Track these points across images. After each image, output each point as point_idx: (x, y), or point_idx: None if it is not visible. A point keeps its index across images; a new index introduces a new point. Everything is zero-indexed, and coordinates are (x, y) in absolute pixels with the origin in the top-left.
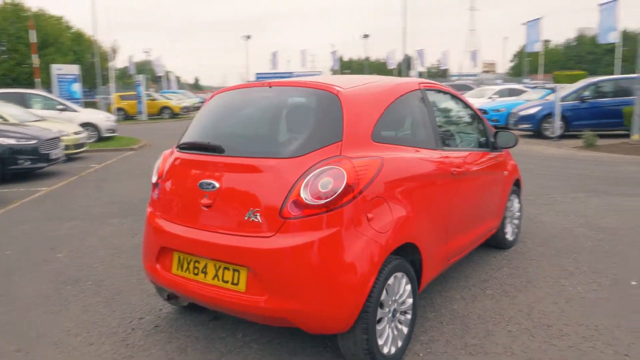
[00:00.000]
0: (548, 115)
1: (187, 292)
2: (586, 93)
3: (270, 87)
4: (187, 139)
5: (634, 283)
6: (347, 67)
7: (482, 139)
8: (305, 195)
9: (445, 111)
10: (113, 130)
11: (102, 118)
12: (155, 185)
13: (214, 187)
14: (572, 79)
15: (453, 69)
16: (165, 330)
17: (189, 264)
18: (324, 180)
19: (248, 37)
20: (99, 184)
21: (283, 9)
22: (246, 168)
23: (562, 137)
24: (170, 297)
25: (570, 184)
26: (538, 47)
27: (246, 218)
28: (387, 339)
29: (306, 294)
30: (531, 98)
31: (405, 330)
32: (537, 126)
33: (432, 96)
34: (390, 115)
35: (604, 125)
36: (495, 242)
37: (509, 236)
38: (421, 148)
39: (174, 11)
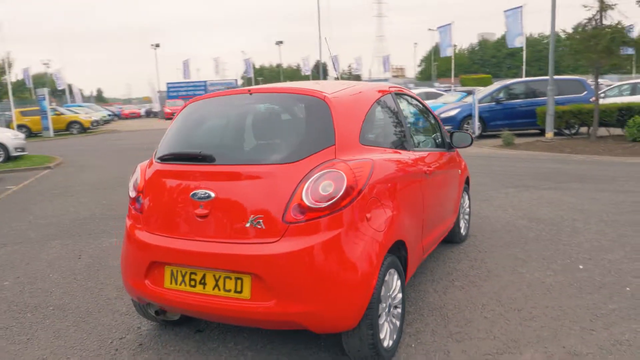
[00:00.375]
0: (468, 117)
1: (184, 306)
2: (500, 95)
3: (250, 93)
4: (169, 149)
5: (581, 267)
6: (260, 74)
7: (440, 140)
8: (307, 199)
9: (412, 114)
10: (22, 149)
11: (9, 136)
12: (136, 199)
13: (209, 196)
14: (478, 82)
15: (364, 74)
16: (152, 347)
17: (184, 276)
18: (324, 184)
19: (157, 45)
20: (24, 205)
21: (190, 16)
22: (243, 175)
23: (480, 137)
24: (159, 313)
25: (499, 180)
26: (450, 52)
27: (248, 225)
28: (386, 332)
29: (316, 295)
30: (448, 101)
31: (397, 323)
32: (458, 127)
33: (401, 99)
34: (371, 118)
35: (518, 125)
36: (451, 237)
37: (463, 231)
38: (399, 149)
39: (69, 21)
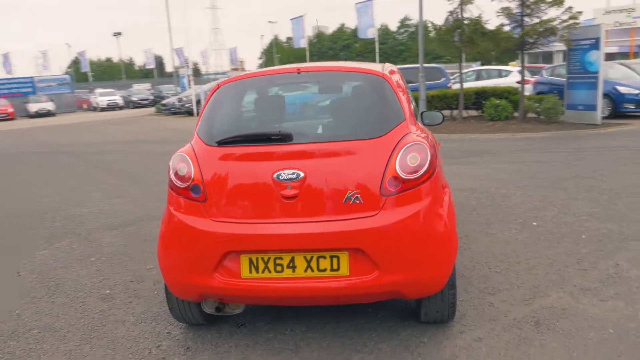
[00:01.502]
0: None
1: (267, 293)
2: None
3: (299, 72)
4: (235, 132)
5: (535, 224)
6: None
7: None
8: (400, 171)
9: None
10: None
11: None
12: (190, 188)
13: (298, 176)
14: None
15: (205, 67)
16: (203, 349)
17: (266, 263)
18: (410, 156)
19: None
20: None
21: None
22: (333, 152)
23: None
24: (220, 309)
25: None
26: (304, 43)
27: (345, 201)
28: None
29: (415, 263)
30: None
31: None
32: None
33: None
34: (407, 94)
35: None
36: None
37: None
38: (420, 124)
39: None
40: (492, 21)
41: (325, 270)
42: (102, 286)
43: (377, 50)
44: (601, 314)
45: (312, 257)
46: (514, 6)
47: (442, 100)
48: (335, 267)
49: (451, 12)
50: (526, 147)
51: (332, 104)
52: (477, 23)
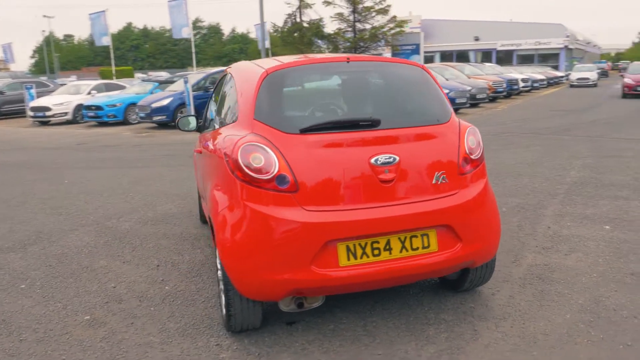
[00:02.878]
0: (182, 105)
1: (366, 279)
2: (208, 83)
3: (348, 61)
4: (319, 120)
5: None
6: None
7: None
8: (468, 152)
9: None
10: None
11: None
12: (277, 179)
13: (394, 160)
14: (119, 75)
15: None
16: (276, 351)
17: (364, 248)
18: (471, 139)
19: None
20: None
21: None
22: (419, 136)
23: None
24: (302, 305)
25: None
26: (107, 41)
27: (434, 182)
28: None
29: (485, 233)
30: (139, 92)
31: None
32: (172, 117)
33: None
34: None
35: None
36: None
37: None
38: None
39: None
40: (330, 25)
41: (417, 248)
42: (71, 313)
43: (193, 50)
44: (575, 264)
45: (405, 238)
46: (347, 12)
47: None
48: (426, 244)
49: (290, 15)
50: None
51: (394, 92)
52: (318, 26)
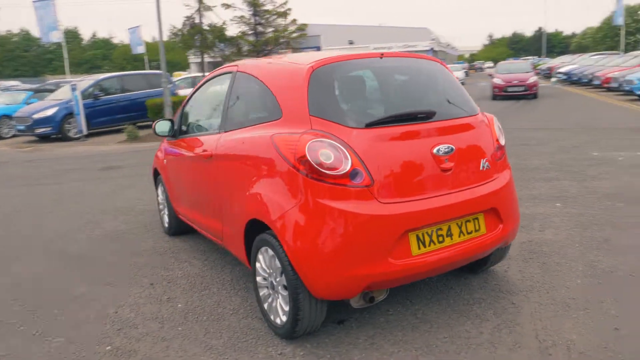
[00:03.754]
0: (69, 115)
1: (433, 266)
2: (96, 91)
3: (382, 57)
4: (382, 113)
5: None
6: None
7: None
8: (498, 139)
9: None
10: None
11: None
12: (351, 174)
13: (452, 149)
14: None
15: None
16: (347, 350)
17: (430, 236)
18: (498, 126)
19: None
20: None
21: None
22: (466, 127)
23: (88, 136)
24: (373, 299)
25: None
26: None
27: (481, 168)
28: None
29: (515, 214)
30: (10, 102)
31: None
32: (58, 128)
33: None
34: None
35: (120, 120)
36: None
37: None
38: None
39: None
40: (232, 28)
41: (471, 232)
42: (84, 347)
43: (65, 55)
44: (554, 238)
45: (462, 223)
46: (248, 15)
47: (177, 107)
48: (477, 228)
49: (188, 18)
50: None
51: (433, 85)
52: (220, 30)
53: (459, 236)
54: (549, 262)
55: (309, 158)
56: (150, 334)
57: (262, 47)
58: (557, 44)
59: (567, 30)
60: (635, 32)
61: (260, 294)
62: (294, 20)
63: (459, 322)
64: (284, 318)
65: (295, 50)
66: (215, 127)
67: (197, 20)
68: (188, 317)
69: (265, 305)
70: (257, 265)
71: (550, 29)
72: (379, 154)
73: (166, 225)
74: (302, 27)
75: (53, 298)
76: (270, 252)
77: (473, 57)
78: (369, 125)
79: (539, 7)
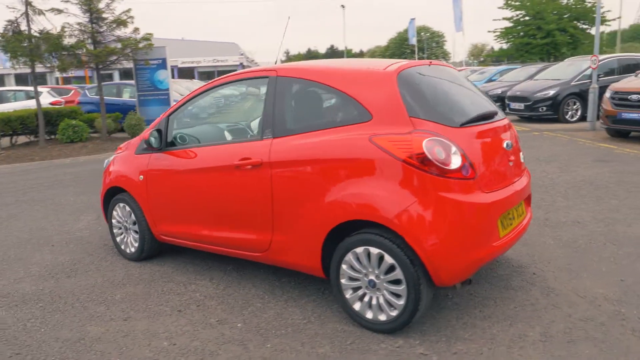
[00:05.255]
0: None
1: (507, 246)
2: None
3: (430, 65)
4: (471, 114)
5: None
6: None
7: None
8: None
9: None
10: None
11: None
12: (462, 168)
13: (511, 145)
14: None
15: None
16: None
17: (504, 221)
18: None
19: None
20: None
21: None
22: (510, 125)
23: None
24: (470, 281)
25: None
26: None
27: (522, 160)
28: None
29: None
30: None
31: None
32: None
33: None
34: None
35: None
36: None
37: None
38: None
39: None
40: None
41: (522, 215)
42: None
43: None
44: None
45: (518, 207)
46: (85, 22)
47: (6, 124)
48: (522, 212)
49: (11, 22)
50: None
51: (473, 89)
52: (59, 37)
53: (518, 218)
54: (561, 236)
55: (427, 155)
56: (242, 356)
57: (106, 57)
58: None
59: (355, 49)
60: (419, 50)
61: (348, 296)
62: (137, 30)
63: (520, 293)
64: (394, 313)
65: (146, 61)
66: (253, 133)
67: (23, 27)
68: (266, 334)
69: (358, 306)
70: (344, 267)
71: (341, 47)
72: (474, 150)
73: (132, 249)
74: (147, 37)
75: (71, 348)
76: (375, 250)
77: None
78: (463, 125)
79: (331, 27)
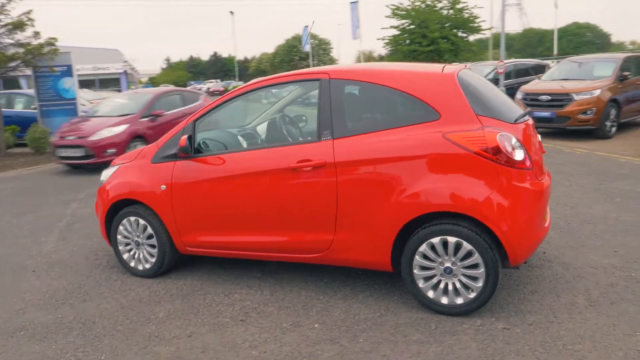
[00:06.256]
0: None
1: (546, 232)
2: None
3: (466, 67)
4: (518, 112)
5: None
6: None
7: None
8: None
9: None
10: None
11: None
12: (526, 158)
13: (539, 139)
14: None
15: None
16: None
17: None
18: None
19: None
20: None
21: None
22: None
23: None
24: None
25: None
26: None
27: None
28: None
29: None
30: None
31: None
32: None
33: None
34: None
35: None
36: None
37: None
38: None
39: None
40: None
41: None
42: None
43: None
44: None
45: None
46: None
47: None
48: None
49: None
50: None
51: (497, 88)
52: None
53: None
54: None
55: (502, 149)
56: (343, 353)
57: (5, 63)
58: (232, 68)
59: (239, 56)
60: (315, 56)
61: (421, 285)
62: (37, 34)
63: (545, 270)
64: (472, 295)
65: (51, 68)
66: (307, 135)
67: None
68: (350, 331)
69: (432, 294)
70: (417, 258)
71: (224, 54)
72: (526, 143)
73: (147, 265)
74: (51, 42)
75: None
76: (452, 239)
77: (153, 81)
78: (516, 121)
79: (214, 34)
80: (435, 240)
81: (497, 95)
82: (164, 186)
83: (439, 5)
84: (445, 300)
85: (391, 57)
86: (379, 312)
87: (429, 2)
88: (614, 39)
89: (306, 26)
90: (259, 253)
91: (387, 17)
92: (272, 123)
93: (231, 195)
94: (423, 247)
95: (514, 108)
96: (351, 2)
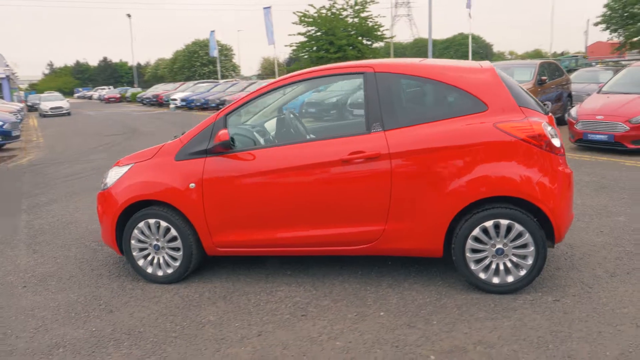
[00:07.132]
0: None
1: None
2: None
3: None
4: (540, 105)
5: None
6: None
7: None
8: None
9: None
10: None
11: None
12: (562, 146)
13: None
14: None
15: None
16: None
17: None
18: None
19: None
20: None
21: None
22: None
23: None
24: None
25: None
26: None
27: None
28: None
29: None
30: None
31: None
32: None
33: None
34: None
35: None
36: None
37: None
38: None
39: None
40: None
41: None
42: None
43: None
44: None
45: None
46: None
47: None
48: None
49: None
50: None
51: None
52: None
53: None
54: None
55: (547, 137)
56: (427, 334)
57: None
58: (124, 74)
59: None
60: (210, 63)
61: (473, 267)
62: None
63: (554, 250)
64: (522, 272)
65: None
66: (356, 127)
67: None
68: (418, 315)
69: (484, 275)
70: (470, 241)
71: (115, 59)
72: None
73: (169, 270)
74: None
75: None
76: (505, 222)
77: (34, 87)
78: (547, 113)
79: (102, 38)
80: (489, 223)
81: (521, 89)
82: (193, 184)
83: (344, 13)
84: (497, 280)
85: (296, 64)
86: (434, 297)
87: (334, 10)
88: (495, 49)
89: (212, 31)
90: (300, 248)
91: (294, 23)
92: (281, 120)
93: (276, 190)
94: (476, 231)
95: (537, 101)
96: (264, 8)
